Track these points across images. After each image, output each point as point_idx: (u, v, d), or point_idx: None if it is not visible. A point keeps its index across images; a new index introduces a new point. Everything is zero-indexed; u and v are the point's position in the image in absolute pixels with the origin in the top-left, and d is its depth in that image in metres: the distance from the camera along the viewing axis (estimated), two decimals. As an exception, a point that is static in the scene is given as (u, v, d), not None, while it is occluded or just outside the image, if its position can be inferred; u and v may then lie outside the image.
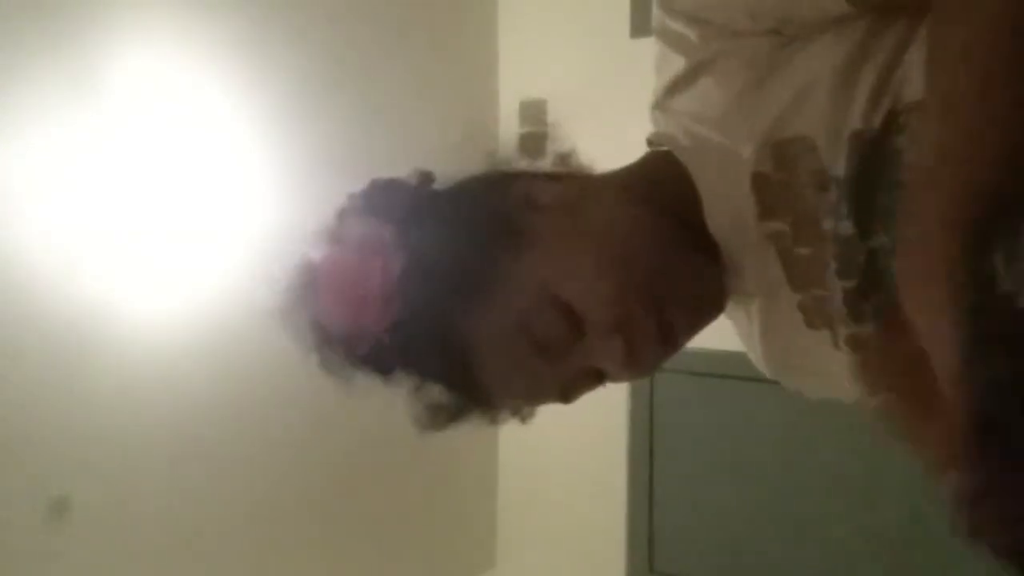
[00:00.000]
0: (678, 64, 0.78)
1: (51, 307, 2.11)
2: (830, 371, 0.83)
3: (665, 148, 0.83)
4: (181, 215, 2.35)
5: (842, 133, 0.72)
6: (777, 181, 0.75)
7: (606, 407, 3.01)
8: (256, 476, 2.54)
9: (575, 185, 0.81)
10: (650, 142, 0.86)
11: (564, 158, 0.83)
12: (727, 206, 0.79)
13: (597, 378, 0.79)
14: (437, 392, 0.80)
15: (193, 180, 2.38)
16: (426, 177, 0.81)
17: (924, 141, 0.63)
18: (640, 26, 2.90)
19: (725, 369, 2.72)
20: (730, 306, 0.87)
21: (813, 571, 2.78)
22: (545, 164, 0.83)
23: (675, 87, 0.80)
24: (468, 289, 0.75)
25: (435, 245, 0.76)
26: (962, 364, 0.51)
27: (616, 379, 0.79)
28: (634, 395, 3.02)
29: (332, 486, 2.74)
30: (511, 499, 3.30)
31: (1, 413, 2.05)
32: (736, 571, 2.93)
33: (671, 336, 0.77)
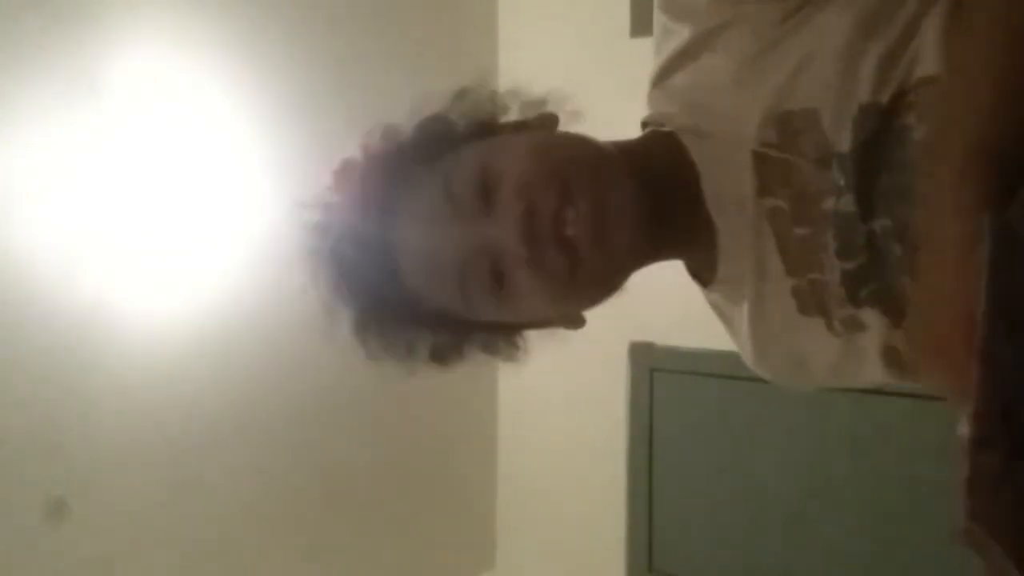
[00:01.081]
0: (682, 35, 0.77)
1: (51, 307, 2.10)
2: (822, 359, 0.82)
3: (661, 129, 0.82)
4: (181, 215, 2.35)
5: (848, 105, 0.70)
6: (778, 156, 0.74)
7: (606, 407, 3.01)
8: (255, 476, 2.53)
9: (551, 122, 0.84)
10: (645, 124, 0.85)
11: (535, 106, 0.87)
12: (725, 180, 0.77)
13: (496, 278, 0.76)
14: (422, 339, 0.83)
15: (193, 180, 2.38)
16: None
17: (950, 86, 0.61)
18: (640, 26, 2.90)
19: (725, 369, 2.72)
20: (722, 301, 0.86)
21: (813, 571, 2.77)
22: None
23: (678, 60, 0.79)
24: (423, 162, 0.80)
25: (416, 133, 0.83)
26: (984, 342, 0.49)
27: (516, 284, 0.76)
28: (634, 395, 3.02)
29: (332, 486, 2.73)
30: (511, 499, 3.30)
31: (0, 413, 2.05)
32: (736, 571, 2.93)
33: (573, 246, 0.74)
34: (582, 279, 0.76)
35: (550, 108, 0.85)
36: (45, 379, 2.11)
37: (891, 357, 0.77)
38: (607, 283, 0.79)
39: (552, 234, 0.73)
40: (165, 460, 2.33)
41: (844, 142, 0.71)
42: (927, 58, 0.67)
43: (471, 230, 0.75)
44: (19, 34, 2.06)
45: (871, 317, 0.76)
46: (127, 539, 2.28)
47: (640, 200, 0.75)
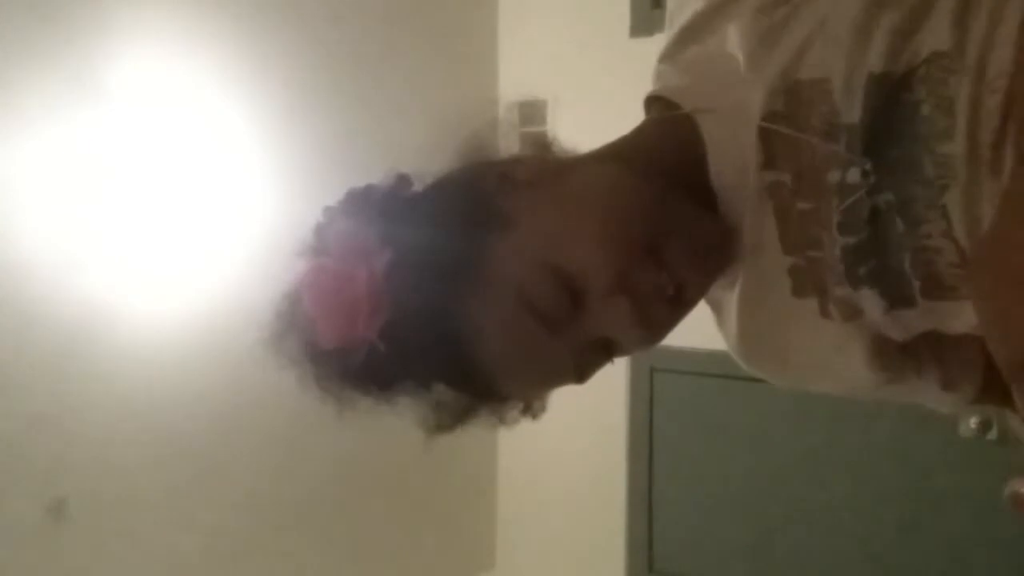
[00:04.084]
0: (696, 6, 0.77)
1: (51, 307, 2.11)
2: (809, 347, 0.81)
3: (663, 115, 0.81)
4: (181, 215, 2.35)
5: (859, 73, 0.70)
6: (784, 131, 0.73)
7: (606, 407, 3.01)
8: (255, 477, 2.54)
9: (554, 159, 0.79)
10: (649, 100, 0.83)
11: (540, 142, 0.81)
12: (731, 153, 0.76)
13: (608, 351, 0.75)
14: (440, 394, 0.77)
15: (193, 180, 2.38)
16: (402, 179, 0.79)
17: None
18: (640, 26, 2.90)
19: (725, 369, 2.71)
20: (712, 287, 0.85)
21: (813, 571, 2.77)
22: (523, 151, 0.80)
23: (690, 31, 0.78)
24: (459, 277, 0.72)
25: (418, 241, 0.74)
26: None
27: (629, 347, 0.75)
28: (634, 395, 3.02)
29: (331, 486, 2.74)
30: (511, 499, 3.30)
31: (1, 413, 2.05)
32: (736, 571, 2.93)
33: (679, 290, 0.73)
34: (685, 307, 0.76)
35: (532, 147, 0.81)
36: (46, 380, 2.11)
37: (878, 347, 0.77)
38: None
39: (660, 300, 0.73)
40: (165, 461, 2.33)
41: (854, 113, 0.70)
42: (939, 32, 0.67)
43: (574, 333, 0.73)
44: (20, 34, 2.07)
45: (868, 298, 0.75)
46: (127, 539, 2.28)
47: (706, 210, 0.76)
